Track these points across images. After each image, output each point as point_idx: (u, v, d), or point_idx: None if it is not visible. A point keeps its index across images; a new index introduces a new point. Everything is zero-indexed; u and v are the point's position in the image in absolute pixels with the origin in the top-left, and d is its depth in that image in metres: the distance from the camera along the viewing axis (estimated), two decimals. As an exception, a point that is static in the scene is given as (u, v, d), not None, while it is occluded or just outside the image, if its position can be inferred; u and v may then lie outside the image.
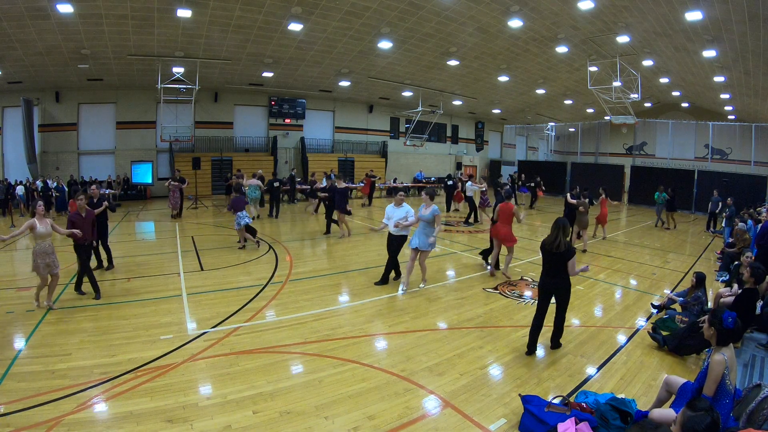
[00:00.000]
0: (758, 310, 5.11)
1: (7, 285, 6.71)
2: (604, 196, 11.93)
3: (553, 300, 4.64)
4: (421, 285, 6.97)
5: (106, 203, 7.53)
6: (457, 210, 17.14)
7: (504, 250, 7.92)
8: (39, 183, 15.36)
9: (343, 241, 10.68)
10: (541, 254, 4.72)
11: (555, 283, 4.54)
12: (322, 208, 13.48)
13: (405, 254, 7.32)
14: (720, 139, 23.97)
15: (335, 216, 11.16)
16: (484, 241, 10.64)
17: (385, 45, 16.13)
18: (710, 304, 5.88)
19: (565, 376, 4.25)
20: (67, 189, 15.01)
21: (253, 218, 13.48)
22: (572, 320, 5.71)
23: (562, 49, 16.72)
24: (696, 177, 20.42)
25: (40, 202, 5.70)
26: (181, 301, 6.08)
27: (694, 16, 12.23)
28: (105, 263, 7.68)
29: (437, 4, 12.96)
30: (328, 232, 11.35)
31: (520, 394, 3.70)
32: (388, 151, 26.38)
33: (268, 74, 18.89)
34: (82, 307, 5.78)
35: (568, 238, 4.57)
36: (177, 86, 16.73)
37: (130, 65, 16.25)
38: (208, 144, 20.81)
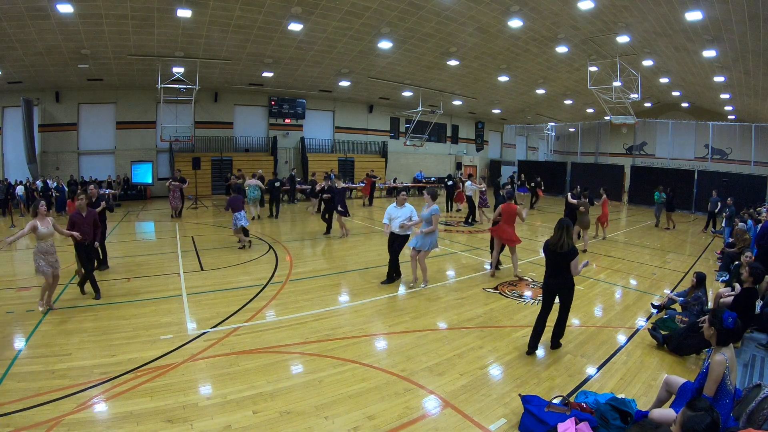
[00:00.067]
0: (758, 310, 5.11)
1: (7, 285, 6.71)
2: (605, 196, 11.94)
3: (556, 300, 4.66)
4: (422, 285, 6.98)
5: (103, 203, 7.54)
6: (459, 210, 17.14)
7: (506, 251, 7.93)
8: (39, 183, 15.37)
9: (343, 241, 10.68)
10: (543, 255, 4.74)
11: (559, 283, 4.57)
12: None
13: (404, 254, 7.34)
14: (720, 139, 23.97)
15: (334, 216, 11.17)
16: (484, 241, 10.65)
17: (385, 45, 16.14)
18: (710, 304, 5.88)
19: (565, 376, 4.25)
20: (66, 189, 15.02)
21: (253, 218, 13.50)
22: (572, 320, 5.70)
23: (562, 49, 16.72)
24: (696, 177, 20.40)
25: (43, 202, 5.68)
26: (181, 301, 6.09)
27: (694, 16, 12.23)
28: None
29: (437, 4, 12.96)
30: (328, 232, 11.34)
31: (520, 394, 3.70)
32: (388, 151, 26.39)
33: (268, 74, 18.89)
34: (82, 307, 5.78)
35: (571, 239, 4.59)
36: (177, 86, 16.73)
37: (130, 65, 16.26)
38: (208, 144, 20.81)
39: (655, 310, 6.12)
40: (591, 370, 4.42)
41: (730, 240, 9.70)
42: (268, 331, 5.12)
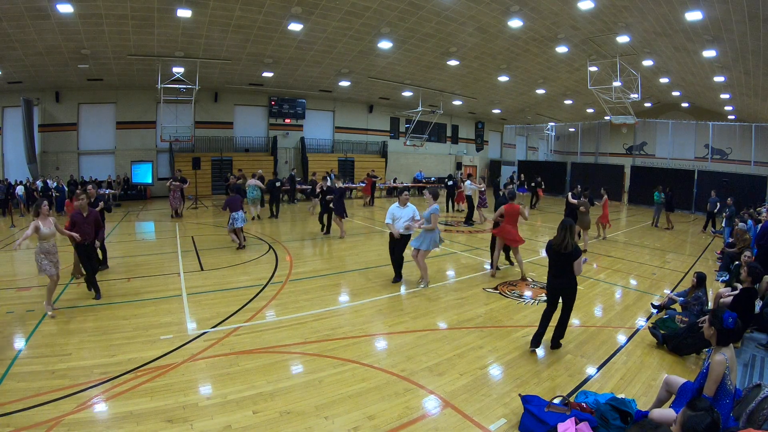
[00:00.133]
0: (757, 310, 5.11)
1: (7, 285, 6.71)
2: (606, 197, 11.94)
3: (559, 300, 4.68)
4: (422, 285, 6.98)
5: (102, 203, 7.54)
6: (462, 210, 17.10)
7: (509, 252, 7.93)
8: (39, 183, 15.38)
9: (343, 241, 10.68)
10: (546, 255, 4.75)
11: (562, 284, 4.59)
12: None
13: (406, 254, 7.33)
14: (720, 139, 23.97)
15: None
16: (483, 241, 10.65)
17: (385, 45, 16.14)
18: (710, 305, 5.88)
19: (565, 376, 4.25)
20: (66, 189, 15.02)
21: (254, 218, 13.49)
22: (572, 320, 5.69)
23: (562, 49, 16.72)
24: (696, 177, 20.39)
25: (46, 202, 5.68)
26: (181, 301, 6.08)
27: (694, 16, 12.24)
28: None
29: (437, 4, 12.96)
30: (327, 232, 11.34)
31: (520, 394, 3.70)
32: (388, 151, 26.39)
33: (268, 74, 18.89)
34: (82, 307, 5.78)
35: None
36: (177, 86, 16.73)
37: (130, 65, 16.26)
38: (208, 144, 20.81)
39: (655, 310, 6.12)
40: (591, 370, 4.42)
41: (730, 240, 9.70)
42: (268, 331, 5.12)
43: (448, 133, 30.84)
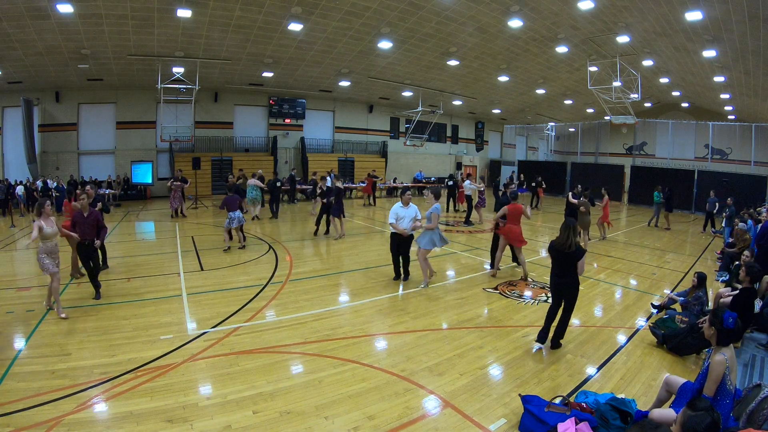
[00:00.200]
0: (757, 309, 5.11)
1: (7, 285, 6.71)
2: (607, 197, 11.94)
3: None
4: (422, 285, 6.99)
5: (100, 204, 7.54)
6: (462, 211, 17.10)
7: (506, 252, 7.93)
8: (39, 183, 15.37)
9: (343, 241, 10.68)
10: (549, 255, 4.77)
11: (565, 283, 4.62)
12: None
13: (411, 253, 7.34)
14: (720, 139, 23.97)
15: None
16: (483, 241, 10.66)
17: (385, 45, 16.13)
18: (710, 305, 5.88)
19: (565, 376, 4.25)
20: (66, 189, 15.02)
21: (254, 218, 13.49)
22: (572, 320, 5.69)
23: (562, 49, 16.72)
24: (696, 177, 20.40)
25: (48, 201, 5.69)
26: (181, 301, 6.08)
27: (694, 16, 12.23)
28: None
29: (437, 4, 12.96)
30: (327, 231, 11.33)
31: (520, 394, 3.70)
32: (388, 151, 26.38)
33: (268, 74, 18.89)
34: (82, 307, 5.78)
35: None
36: (177, 86, 16.72)
37: (130, 65, 16.25)
38: (208, 144, 20.80)
39: (655, 310, 6.12)
40: (591, 370, 4.42)
41: (730, 240, 9.70)
42: (268, 331, 5.12)
43: (448, 133, 30.84)
